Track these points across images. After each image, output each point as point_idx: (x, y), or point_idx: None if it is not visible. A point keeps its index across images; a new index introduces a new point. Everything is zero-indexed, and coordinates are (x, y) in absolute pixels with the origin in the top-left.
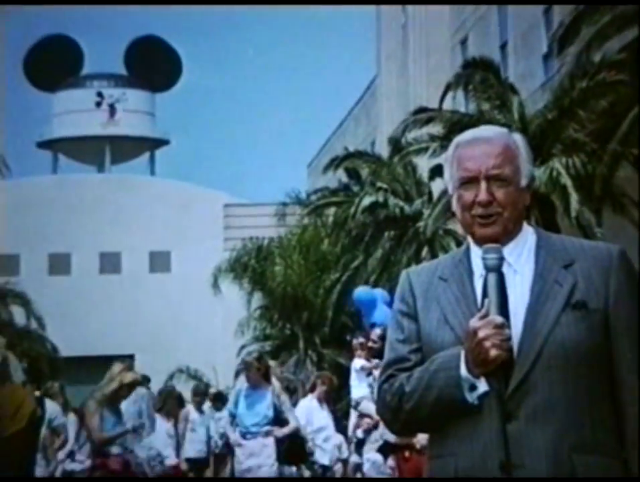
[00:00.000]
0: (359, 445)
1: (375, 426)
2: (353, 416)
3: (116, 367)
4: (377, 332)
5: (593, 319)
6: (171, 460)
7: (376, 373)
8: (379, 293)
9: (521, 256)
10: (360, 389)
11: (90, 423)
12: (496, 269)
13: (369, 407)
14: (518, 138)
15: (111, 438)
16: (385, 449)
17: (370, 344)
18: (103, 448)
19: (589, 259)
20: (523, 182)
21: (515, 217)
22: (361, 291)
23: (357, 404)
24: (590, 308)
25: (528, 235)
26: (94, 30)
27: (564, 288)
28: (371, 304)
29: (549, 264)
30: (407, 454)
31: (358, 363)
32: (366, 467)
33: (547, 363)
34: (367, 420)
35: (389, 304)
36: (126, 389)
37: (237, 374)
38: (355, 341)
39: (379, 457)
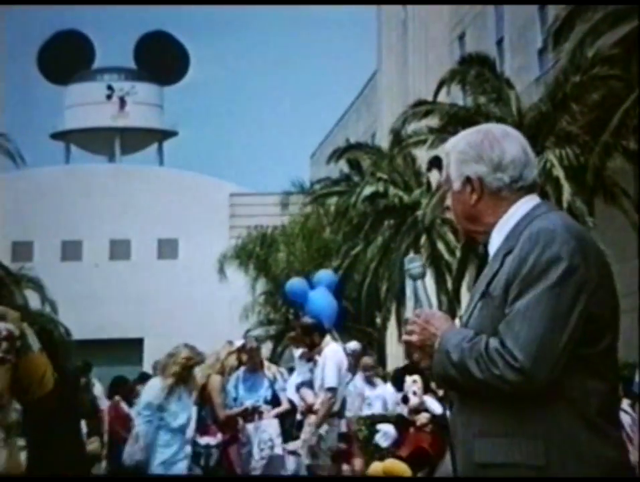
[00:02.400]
0: (298, 427)
1: (309, 411)
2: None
3: (227, 346)
4: (298, 330)
5: (495, 305)
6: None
7: (317, 358)
8: (325, 277)
9: (497, 245)
10: (301, 375)
11: (216, 399)
12: (418, 277)
13: (307, 392)
14: (452, 146)
15: (233, 416)
16: (400, 422)
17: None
18: (227, 425)
19: (520, 244)
20: (456, 185)
21: (464, 216)
22: (290, 283)
23: (298, 388)
24: (493, 295)
25: (506, 223)
26: (105, 26)
27: (488, 276)
28: (302, 294)
29: (500, 252)
30: (411, 430)
31: (297, 352)
32: (378, 436)
33: None
34: (302, 403)
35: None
36: (236, 366)
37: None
38: (290, 335)
39: (391, 428)
